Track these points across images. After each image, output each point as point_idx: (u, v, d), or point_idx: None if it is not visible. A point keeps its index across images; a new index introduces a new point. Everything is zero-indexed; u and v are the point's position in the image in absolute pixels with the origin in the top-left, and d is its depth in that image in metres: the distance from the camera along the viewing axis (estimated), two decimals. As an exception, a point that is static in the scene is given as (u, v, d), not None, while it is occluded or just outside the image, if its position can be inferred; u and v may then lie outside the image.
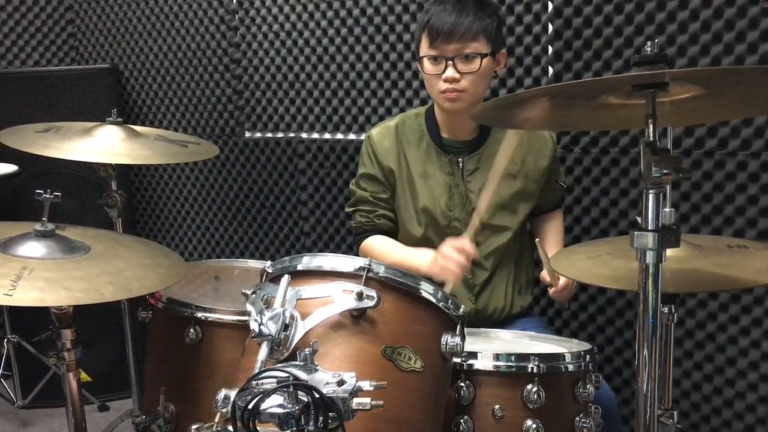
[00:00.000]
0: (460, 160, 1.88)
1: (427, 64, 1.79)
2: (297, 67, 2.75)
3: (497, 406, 1.42)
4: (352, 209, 2.00)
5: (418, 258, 1.79)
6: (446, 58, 1.74)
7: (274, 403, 1.00)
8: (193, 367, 1.67)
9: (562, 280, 1.78)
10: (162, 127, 3.12)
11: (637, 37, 2.11)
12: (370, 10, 2.55)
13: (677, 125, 1.99)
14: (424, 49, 1.79)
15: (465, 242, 1.69)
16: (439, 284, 1.63)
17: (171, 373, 1.72)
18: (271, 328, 1.16)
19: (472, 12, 1.73)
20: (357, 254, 1.99)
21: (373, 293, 1.22)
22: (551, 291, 1.81)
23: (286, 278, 1.24)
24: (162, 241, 3.29)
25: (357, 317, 1.23)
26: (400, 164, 1.92)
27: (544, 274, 1.80)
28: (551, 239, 1.99)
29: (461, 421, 1.42)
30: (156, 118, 3.20)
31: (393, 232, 1.97)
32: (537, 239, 1.83)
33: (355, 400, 1.05)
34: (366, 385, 1.07)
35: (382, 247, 1.92)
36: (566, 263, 1.61)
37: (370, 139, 1.95)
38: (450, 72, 1.74)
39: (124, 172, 3.15)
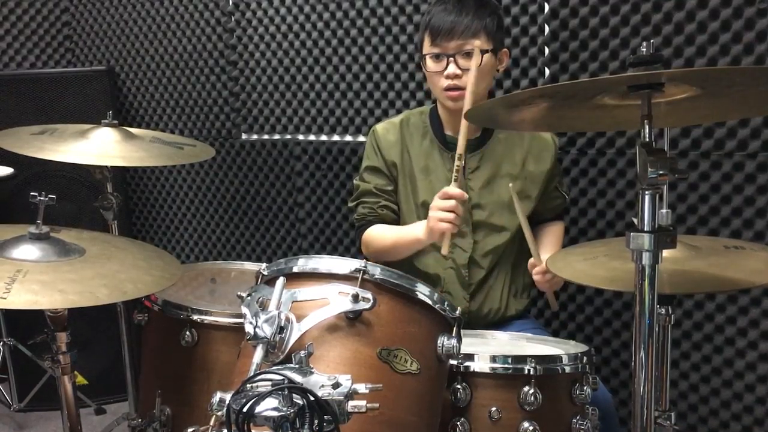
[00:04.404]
0: None
1: (430, 63, 1.81)
2: (293, 69, 2.74)
3: (494, 408, 1.41)
4: (354, 203, 2.00)
5: (414, 229, 1.82)
6: (447, 54, 1.77)
7: (269, 406, 0.99)
8: (188, 370, 1.67)
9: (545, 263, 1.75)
10: (158, 129, 3.11)
11: (633, 38, 2.11)
12: (366, 12, 2.55)
13: (673, 126, 2.00)
14: (426, 47, 1.82)
15: (448, 187, 1.70)
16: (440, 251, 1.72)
17: (167, 376, 1.72)
18: (267, 330, 1.15)
19: (472, 11, 1.76)
20: (359, 248, 1.99)
21: (369, 295, 1.22)
22: (535, 272, 1.79)
23: (281, 280, 1.23)
24: (158, 243, 3.28)
25: (353, 319, 1.23)
26: (403, 158, 1.93)
27: (532, 261, 1.80)
28: (547, 247, 1.97)
29: (458, 423, 1.42)
30: (152, 120, 3.19)
31: (395, 224, 1.97)
32: (510, 184, 1.79)
33: (351, 403, 1.05)
34: (361, 387, 1.06)
35: (379, 233, 1.92)
36: (563, 264, 1.61)
37: (375, 133, 1.97)
38: (452, 68, 1.76)
39: (119, 174, 3.14)
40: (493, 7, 1.83)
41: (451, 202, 1.68)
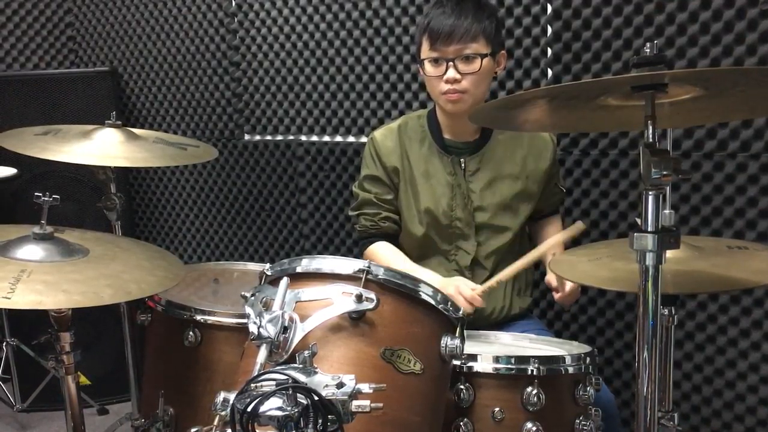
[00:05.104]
0: (462, 160, 1.89)
1: (428, 67, 1.80)
2: (296, 70, 2.75)
3: (497, 409, 1.41)
4: (355, 213, 1.99)
5: (429, 277, 1.76)
6: (447, 59, 1.76)
7: (273, 406, 1.00)
8: (192, 370, 1.67)
9: (568, 285, 1.76)
10: (161, 130, 3.12)
11: (636, 39, 2.11)
12: (369, 13, 2.55)
13: (676, 126, 2.00)
14: (425, 51, 1.80)
15: (477, 295, 1.69)
16: None
17: (170, 376, 1.72)
18: (270, 330, 1.15)
19: (470, 14, 1.75)
20: (359, 257, 1.99)
21: (372, 295, 1.22)
22: (557, 296, 1.79)
23: (285, 280, 1.23)
24: (161, 243, 3.29)
25: (356, 319, 1.23)
26: (403, 164, 1.93)
27: (550, 278, 1.78)
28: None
29: (461, 423, 1.42)
30: (155, 121, 3.19)
31: (397, 236, 1.97)
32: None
33: (355, 403, 1.05)
34: (365, 387, 1.07)
35: (386, 259, 1.91)
36: (566, 266, 1.61)
37: (373, 140, 1.96)
38: (451, 73, 1.75)
39: (123, 174, 3.15)
40: (491, 9, 1.83)
41: (467, 305, 1.67)
